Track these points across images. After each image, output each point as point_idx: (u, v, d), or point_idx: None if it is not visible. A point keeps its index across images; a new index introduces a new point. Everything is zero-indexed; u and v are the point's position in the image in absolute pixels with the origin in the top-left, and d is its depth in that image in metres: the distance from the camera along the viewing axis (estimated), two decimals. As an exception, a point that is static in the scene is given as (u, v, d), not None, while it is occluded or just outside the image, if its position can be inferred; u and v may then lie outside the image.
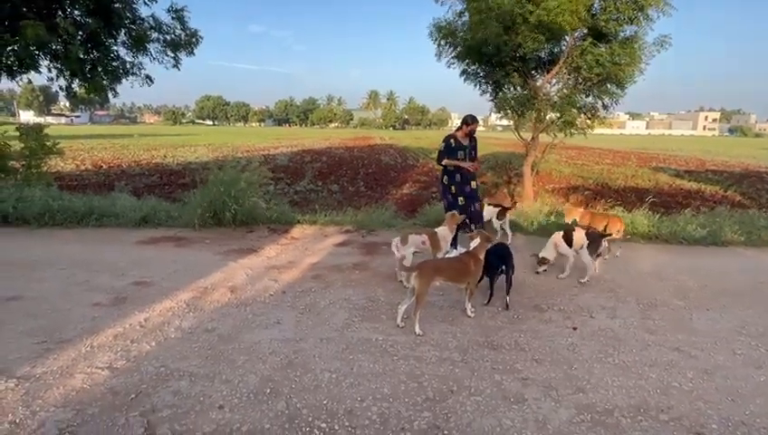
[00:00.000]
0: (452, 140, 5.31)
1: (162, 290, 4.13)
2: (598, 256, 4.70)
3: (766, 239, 6.16)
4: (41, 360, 2.90)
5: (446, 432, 2.33)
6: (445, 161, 5.31)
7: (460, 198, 5.30)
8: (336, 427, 2.36)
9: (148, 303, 3.84)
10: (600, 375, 2.88)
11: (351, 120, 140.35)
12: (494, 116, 9.43)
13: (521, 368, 2.95)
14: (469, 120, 5.31)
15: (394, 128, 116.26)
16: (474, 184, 5.38)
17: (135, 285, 4.26)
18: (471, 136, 5.35)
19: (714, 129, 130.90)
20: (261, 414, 2.44)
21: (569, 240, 4.56)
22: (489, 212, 5.98)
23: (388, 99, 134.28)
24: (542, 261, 4.68)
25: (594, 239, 4.54)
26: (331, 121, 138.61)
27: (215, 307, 3.81)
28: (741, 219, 6.77)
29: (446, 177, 5.41)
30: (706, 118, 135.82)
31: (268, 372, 2.85)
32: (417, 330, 3.36)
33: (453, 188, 5.34)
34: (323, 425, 2.37)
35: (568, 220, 5.60)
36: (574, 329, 3.53)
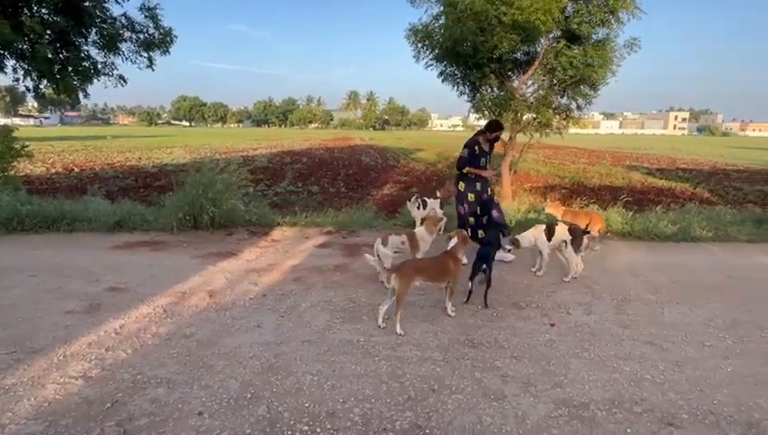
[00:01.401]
0: (476, 147, 5.05)
1: (138, 296, 4.04)
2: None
3: (732, 235, 6.41)
4: (11, 371, 2.80)
5: (427, 431, 2.36)
6: (467, 169, 5.08)
7: (478, 208, 5.14)
8: (318, 429, 2.35)
9: (124, 309, 3.75)
10: (576, 370, 2.95)
11: (332, 120, 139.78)
12: (472, 116, 9.53)
13: (500, 365, 3.00)
14: (494, 126, 5.07)
15: (374, 128, 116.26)
16: (490, 190, 5.25)
17: (110, 291, 4.16)
18: (492, 142, 5.15)
19: (683, 128, 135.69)
20: (241, 419, 2.42)
21: (550, 234, 4.55)
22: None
23: (367, 99, 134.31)
24: (514, 242, 4.56)
25: (577, 236, 4.56)
26: (310, 122, 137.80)
27: (193, 312, 3.74)
28: (709, 216, 7.03)
29: (462, 183, 5.17)
30: (676, 117, 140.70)
31: (248, 376, 2.82)
32: (399, 330, 3.38)
33: (472, 196, 5.13)
34: (305, 428, 2.36)
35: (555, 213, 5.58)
36: (552, 325, 3.61)
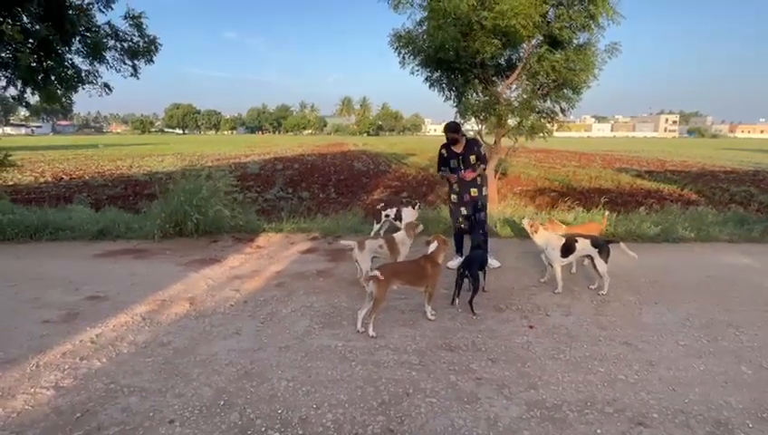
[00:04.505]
0: (444, 150, 5.05)
1: (117, 304, 4.02)
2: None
3: (714, 235, 6.47)
4: (-19, 382, 2.78)
5: (399, 435, 2.36)
6: (440, 173, 5.18)
7: (462, 208, 5.07)
8: (289, 435, 2.35)
9: (102, 318, 3.73)
10: (551, 372, 2.97)
11: (325, 126, 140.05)
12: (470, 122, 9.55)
13: (476, 368, 3.00)
14: (444, 128, 4.95)
15: (368, 134, 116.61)
16: (474, 192, 4.98)
17: (89, 300, 4.13)
18: (467, 143, 4.95)
19: (674, 130, 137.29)
20: (213, 427, 2.41)
21: (567, 251, 4.30)
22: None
23: (361, 105, 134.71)
24: (526, 225, 4.47)
25: (602, 246, 4.29)
26: (304, 128, 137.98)
27: (172, 320, 3.73)
28: (692, 216, 7.09)
29: (447, 185, 5.27)
30: (667, 120, 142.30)
31: (223, 383, 2.81)
32: (371, 332, 3.39)
33: (453, 197, 5.12)
34: (276, 434, 2.36)
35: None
36: (530, 328, 3.62)
